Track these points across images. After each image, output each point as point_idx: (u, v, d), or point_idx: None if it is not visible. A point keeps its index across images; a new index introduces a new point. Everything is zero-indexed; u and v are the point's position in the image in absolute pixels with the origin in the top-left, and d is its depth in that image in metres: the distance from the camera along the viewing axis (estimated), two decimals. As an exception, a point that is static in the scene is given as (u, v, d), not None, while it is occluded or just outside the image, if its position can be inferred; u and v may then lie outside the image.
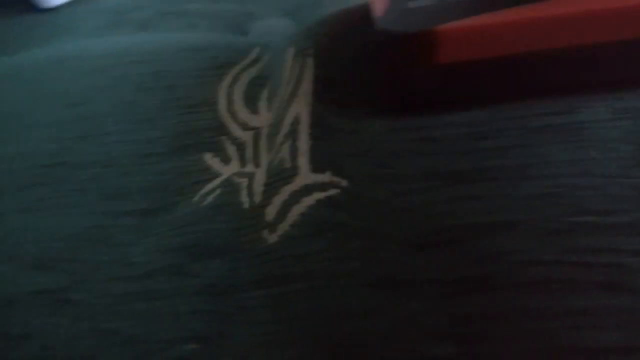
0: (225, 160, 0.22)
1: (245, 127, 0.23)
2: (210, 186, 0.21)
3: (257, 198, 0.20)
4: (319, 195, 0.19)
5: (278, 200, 0.19)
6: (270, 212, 0.19)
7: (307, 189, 0.19)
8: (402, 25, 0.18)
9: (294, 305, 0.17)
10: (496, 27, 0.18)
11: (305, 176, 0.19)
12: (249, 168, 0.21)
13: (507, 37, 0.18)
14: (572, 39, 0.18)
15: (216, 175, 0.21)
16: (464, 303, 0.16)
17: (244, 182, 0.20)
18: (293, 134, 0.21)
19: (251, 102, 0.24)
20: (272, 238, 0.18)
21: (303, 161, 0.19)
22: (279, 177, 0.20)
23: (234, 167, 0.21)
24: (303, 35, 0.26)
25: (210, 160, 0.22)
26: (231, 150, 0.22)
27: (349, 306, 0.16)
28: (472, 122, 0.20)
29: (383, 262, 0.17)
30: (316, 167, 0.19)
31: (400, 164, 0.20)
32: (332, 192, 0.19)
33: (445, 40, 0.18)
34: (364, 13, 0.21)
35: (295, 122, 0.21)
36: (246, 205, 0.19)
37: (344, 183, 0.19)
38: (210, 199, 0.20)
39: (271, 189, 0.19)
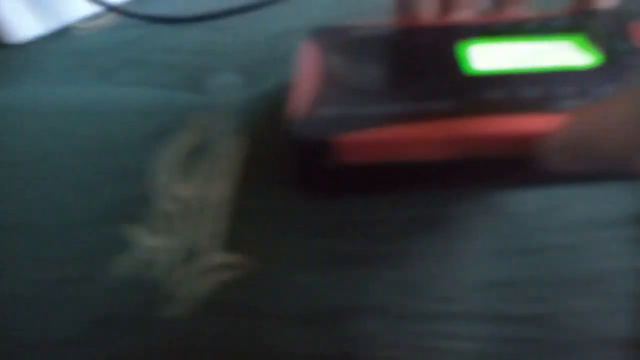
0: (152, 232, 0.25)
1: (176, 199, 0.26)
2: (130, 258, 0.24)
3: (171, 274, 0.23)
4: (225, 275, 0.22)
5: (188, 278, 0.22)
6: (179, 288, 0.22)
7: (213, 270, 0.22)
8: (312, 133, 0.22)
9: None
10: (390, 140, 0.22)
11: (214, 258, 0.22)
12: (171, 242, 0.24)
13: (397, 149, 0.22)
14: (452, 154, 0.22)
15: (138, 246, 0.24)
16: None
17: (160, 258, 0.24)
18: (211, 216, 0.24)
19: (187, 174, 0.28)
20: (177, 313, 0.22)
21: (214, 244, 0.23)
22: (190, 257, 0.23)
23: (157, 240, 0.24)
24: (243, 112, 0.29)
25: (137, 232, 0.25)
26: (159, 223, 0.25)
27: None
28: (366, 210, 0.24)
29: (265, 337, 0.21)
30: (229, 248, 0.23)
31: (304, 246, 0.23)
32: (238, 273, 0.22)
33: (346, 146, 0.22)
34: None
35: (214, 205, 0.24)
36: (160, 280, 0.23)
37: (252, 263, 0.23)
38: (128, 270, 0.23)
39: (184, 266, 0.23)
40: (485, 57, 0.25)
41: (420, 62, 0.25)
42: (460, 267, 0.21)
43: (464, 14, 0.29)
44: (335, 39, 0.27)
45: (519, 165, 0.22)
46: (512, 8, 0.29)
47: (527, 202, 0.23)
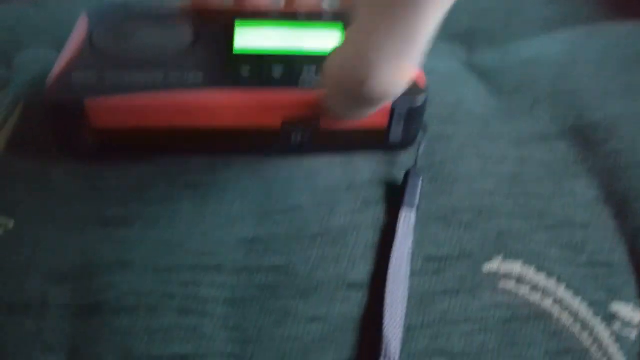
0: None
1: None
2: None
3: None
4: (-18, 234, 0.22)
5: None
6: None
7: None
8: (63, 98, 0.22)
9: None
10: (136, 106, 0.23)
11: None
12: None
13: (144, 115, 0.23)
14: (195, 122, 0.23)
15: None
16: (81, 322, 0.20)
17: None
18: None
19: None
20: None
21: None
22: None
23: None
24: (28, 83, 0.29)
25: None
26: None
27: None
28: (132, 174, 0.24)
29: (26, 291, 0.21)
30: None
31: (66, 208, 0.23)
32: (-2, 231, 0.22)
33: (98, 111, 0.22)
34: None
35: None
36: None
37: (11, 224, 0.22)
38: None
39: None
40: (249, 38, 0.27)
41: (188, 39, 0.26)
42: (219, 226, 0.23)
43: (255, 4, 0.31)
44: (106, 16, 0.28)
45: (277, 135, 0.24)
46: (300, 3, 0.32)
47: (286, 168, 0.25)
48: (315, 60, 0.25)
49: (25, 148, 0.25)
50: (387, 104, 0.23)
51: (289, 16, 0.28)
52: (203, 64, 0.24)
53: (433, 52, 0.36)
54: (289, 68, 0.25)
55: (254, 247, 0.23)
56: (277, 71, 0.24)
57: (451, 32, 0.39)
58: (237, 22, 0.27)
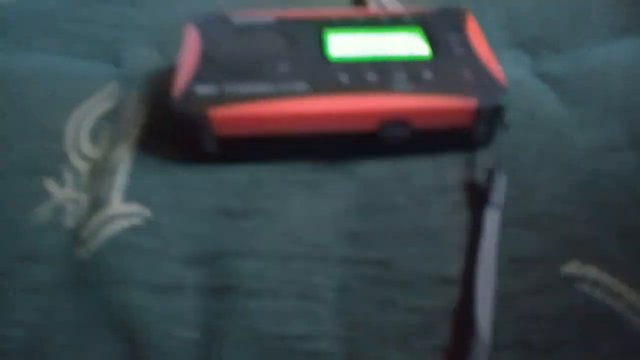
0: (62, 185, 0.26)
1: (84, 157, 0.27)
2: (44, 206, 0.25)
3: (79, 221, 0.24)
4: (123, 223, 0.24)
5: (91, 225, 0.24)
6: (85, 234, 0.24)
7: (113, 218, 0.24)
8: (189, 108, 0.24)
9: (88, 303, 0.22)
10: (255, 115, 0.24)
11: (115, 208, 0.24)
12: (78, 195, 0.26)
13: (263, 123, 0.25)
14: (310, 128, 0.25)
15: (51, 196, 0.25)
16: (213, 303, 0.22)
17: (71, 207, 0.25)
18: (114, 171, 0.26)
19: (95, 135, 0.29)
20: (83, 254, 0.23)
21: (115, 195, 0.24)
22: (94, 207, 0.25)
23: (67, 192, 0.26)
24: (148, 84, 0.30)
25: (50, 184, 0.26)
26: (68, 177, 0.26)
27: (130, 306, 0.22)
28: (249, 172, 0.26)
29: (161, 274, 0.23)
30: (127, 199, 0.25)
31: (193, 199, 0.25)
32: (136, 220, 0.24)
33: (219, 119, 0.24)
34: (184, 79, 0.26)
35: (119, 161, 0.26)
36: (70, 226, 0.24)
37: (148, 213, 0.24)
38: (41, 217, 0.24)
39: (89, 214, 0.24)
40: (342, 46, 0.28)
41: (287, 49, 0.28)
42: (328, 220, 0.25)
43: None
44: (214, 25, 0.29)
45: (372, 138, 0.25)
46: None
47: (382, 170, 0.27)
48: (404, 65, 0.26)
49: (154, 147, 0.27)
50: (472, 102, 0.24)
51: (372, 21, 0.29)
52: (306, 74, 0.26)
53: (500, 59, 0.37)
54: (382, 73, 0.26)
55: (358, 241, 0.24)
56: (372, 76, 0.26)
57: (516, 39, 0.39)
58: (327, 30, 0.29)
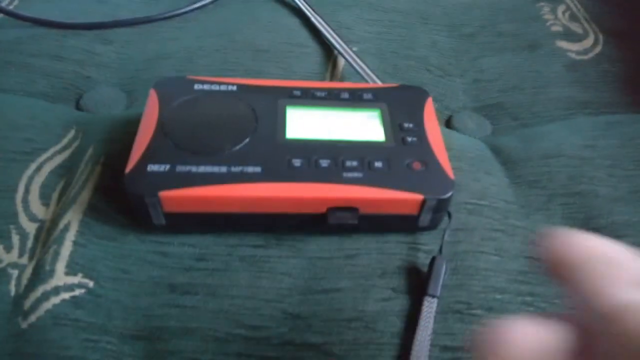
0: (8, 248, 0.26)
1: (32, 218, 0.28)
2: (-12, 272, 0.25)
3: (21, 289, 0.25)
4: (65, 295, 0.24)
5: (33, 296, 0.24)
6: (27, 304, 0.24)
7: (57, 290, 0.24)
8: (139, 188, 0.25)
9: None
10: (204, 198, 0.25)
11: (58, 279, 0.24)
12: (24, 260, 0.26)
13: (211, 205, 0.25)
14: (259, 210, 0.26)
15: (-2, 261, 0.25)
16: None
17: (15, 273, 0.25)
18: (60, 239, 0.26)
19: (46, 193, 0.29)
20: (24, 324, 0.23)
21: (60, 265, 0.25)
22: (38, 276, 0.25)
23: (13, 256, 0.26)
24: (105, 139, 0.31)
25: (-3, 246, 0.26)
26: (15, 239, 0.26)
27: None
28: (197, 244, 0.27)
29: (100, 350, 0.23)
30: (70, 270, 0.25)
31: (138, 271, 0.25)
32: (77, 292, 0.24)
33: (170, 200, 0.25)
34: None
35: (65, 228, 0.26)
36: (12, 293, 0.24)
37: (91, 284, 0.25)
38: (-15, 284, 0.24)
39: (31, 284, 0.25)
40: (300, 124, 0.29)
41: (244, 125, 0.28)
42: (270, 300, 0.25)
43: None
44: (175, 93, 0.30)
45: (321, 219, 0.26)
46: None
47: (328, 249, 0.27)
48: (357, 150, 0.27)
49: (103, 212, 0.28)
50: (419, 194, 0.26)
51: (334, 96, 0.30)
52: (260, 157, 0.26)
53: (462, 124, 0.38)
54: (335, 159, 0.27)
55: (297, 324, 0.25)
56: (324, 163, 0.27)
57: (479, 104, 0.40)
58: (288, 107, 0.30)
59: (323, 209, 0.26)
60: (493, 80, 0.42)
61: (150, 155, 0.26)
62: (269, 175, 0.26)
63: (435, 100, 0.33)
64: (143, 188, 0.25)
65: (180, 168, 0.25)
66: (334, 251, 0.27)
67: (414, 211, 0.26)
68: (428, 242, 0.28)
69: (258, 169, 0.26)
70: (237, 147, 0.27)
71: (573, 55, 0.43)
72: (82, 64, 0.39)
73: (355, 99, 0.30)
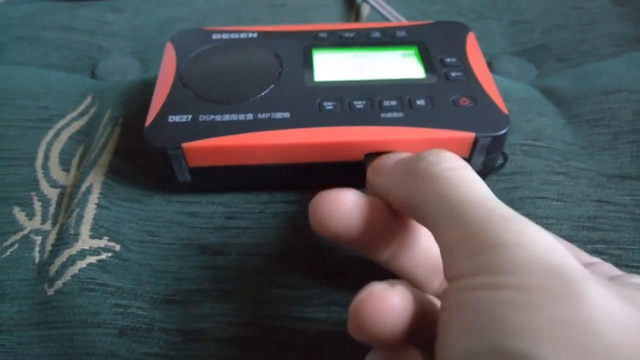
0: (30, 215, 0.25)
1: (53, 184, 0.26)
2: (12, 239, 0.24)
3: (45, 256, 0.23)
4: (91, 259, 0.23)
5: (58, 261, 0.23)
6: (52, 270, 0.23)
7: (82, 254, 0.23)
8: (161, 141, 0.23)
9: (53, 345, 0.21)
10: (230, 148, 0.23)
11: (83, 242, 0.23)
12: (47, 226, 0.25)
13: (237, 156, 0.23)
14: (291, 160, 0.23)
15: (20, 228, 0.24)
16: (182, 350, 0.21)
17: (38, 239, 0.24)
18: (83, 202, 0.24)
19: (65, 158, 0.28)
20: (50, 291, 0.22)
21: (84, 229, 0.23)
22: (62, 241, 0.23)
23: (35, 222, 0.25)
24: (122, 101, 0.29)
25: (18, 214, 0.25)
26: (37, 206, 0.25)
27: (96, 349, 0.21)
28: (226, 203, 0.25)
29: (130, 315, 0.22)
30: (95, 234, 0.23)
31: (166, 233, 0.24)
32: (104, 255, 0.23)
33: (193, 152, 0.23)
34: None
35: (87, 190, 0.25)
36: (36, 260, 0.23)
37: (117, 248, 0.23)
38: (8, 252, 0.23)
39: (56, 250, 0.23)
40: (328, 67, 0.27)
41: (268, 69, 0.26)
42: (305, 258, 0.23)
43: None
44: (192, 44, 0.28)
45: (359, 167, 0.24)
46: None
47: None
48: (395, 90, 0.25)
49: (125, 174, 0.26)
50: (469, 135, 0.23)
51: (364, 37, 0.28)
52: (288, 102, 0.24)
53: (503, 69, 0.36)
54: (370, 100, 0.24)
55: (339, 282, 0.23)
56: (359, 104, 0.24)
57: (520, 47, 0.37)
58: (313, 49, 0.27)
59: (360, 156, 0.24)
60: (533, 21, 0.39)
61: (170, 106, 0.24)
62: (299, 120, 0.23)
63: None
64: (164, 140, 0.23)
65: (203, 117, 0.23)
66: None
67: (464, 153, 0.24)
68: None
69: (287, 115, 0.24)
70: (262, 94, 0.25)
71: (621, -11, 0.40)
72: (94, 34, 0.38)
73: (387, 38, 0.28)
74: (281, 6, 0.38)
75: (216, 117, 0.24)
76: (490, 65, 0.36)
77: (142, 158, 0.26)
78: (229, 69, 0.26)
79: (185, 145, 0.23)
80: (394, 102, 0.24)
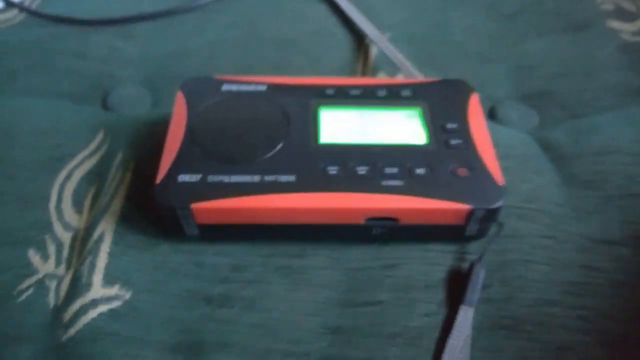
0: (44, 257, 0.26)
1: (66, 227, 0.28)
2: (27, 282, 0.26)
3: (60, 301, 0.25)
4: (103, 308, 0.24)
5: (72, 309, 0.24)
6: (66, 317, 0.24)
7: (95, 303, 0.24)
8: (170, 200, 0.24)
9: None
10: (238, 210, 0.25)
11: (95, 291, 0.25)
12: (61, 270, 0.26)
13: (245, 216, 0.25)
14: (293, 221, 0.25)
15: (35, 271, 0.26)
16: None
17: (52, 284, 0.25)
18: (95, 250, 0.26)
19: (78, 200, 0.29)
20: (63, 338, 0.24)
21: (96, 278, 0.25)
22: (76, 289, 0.25)
23: (49, 265, 0.26)
24: (132, 143, 0.31)
25: (32, 256, 0.26)
26: (51, 249, 0.27)
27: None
28: (232, 253, 0.27)
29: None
30: (106, 282, 0.25)
31: (173, 283, 0.26)
32: (115, 304, 0.25)
33: (201, 212, 0.25)
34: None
35: (99, 239, 0.26)
36: (51, 305, 0.25)
37: (127, 296, 0.25)
38: (24, 296, 0.25)
39: (70, 297, 0.25)
40: (334, 127, 0.28)
41: (276, 130, 0.27)
42: (308, 313, 0.25)
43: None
44: (202, 95, 0.29)
45: (360, 229, 0.26)
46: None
47: (367, 259, 0.27)
48: (397, 156, 0.26)
49: (135, 221, 0.28)
50: (466, 205, 0.25)
51: (370, 94, 0.29)
52: (293, 164, 0.26)
53: (505, 116, 0.37)
54: (373, 165, 0.26)
55: (337, 338, 0.25)
56: (361, 170, 0.26)
57: (523, 92, 0.38)
58: (321, 108, 0.29)
59: (361, 220, 0.25)
60: (538, 66, 0.40)
61: (180, 164, 0.25)
62: (304, 184, 0.25)
63: (475, 89, 0.32)
64: (174, 199, 0.24)
65: (212, 178, 0.25)
66: (372, 261, 0.27)
67: (460, 221, 0.25)
68: (476, 251, 0.27)
69: (292, 178, 0.25)
70: (270, 154, 0.26)
71: (626, 37, 0.41)
72: (106, 61, 0.39)
73: (392, 97, 0.29)
74: (290, 43, 0.39)
75: (224, 177, 0.25)
76: (492, 111, 0.37)
77: (151, 206, 0.28)
78: (238, 126, 0.27)
79: (194, 205, 0.24)
80: (395, 170, 0.26)
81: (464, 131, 0.27)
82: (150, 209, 0.28)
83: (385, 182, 0.25)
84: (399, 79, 0.33)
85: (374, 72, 0.38)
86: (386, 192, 0.25)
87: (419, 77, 0.34)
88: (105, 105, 0.36)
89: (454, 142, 0.27)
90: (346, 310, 0.25)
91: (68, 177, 0.30)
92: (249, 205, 0.24)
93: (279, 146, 0.26)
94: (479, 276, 0.26)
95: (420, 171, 0.25)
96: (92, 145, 0.32)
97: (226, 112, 0.28)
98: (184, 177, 0.25)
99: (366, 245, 0.27)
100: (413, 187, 0.25)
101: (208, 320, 0.25)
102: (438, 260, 0.27)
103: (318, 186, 0.25)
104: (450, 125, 0.28)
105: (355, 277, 0.26)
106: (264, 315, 0.25)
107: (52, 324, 0.24)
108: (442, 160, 0.26)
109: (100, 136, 0.32)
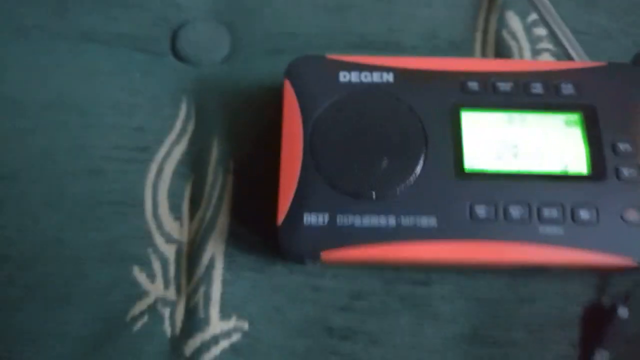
0: (151, 276, 0.25)
1: (168, 239, 0.25)
2: (139, 307, 0.24)
3: (177, 332, 0.24)
4: (224, 344, 0.23)
5: (192, 344, 0.23)
6: (187, 351, 0.24)
7: (216, 339, 0.23)
8: (298, 248, 0.22)
9: None
10: (370, 258, 0.22)
11: (214, 326, 0.23)
12: (171, 294, 0.25)
13: (383, 263, 0.23)
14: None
15: (145, 293, 0.25)
16: None
17: (166, 312, 0.24)
18: (208, 278, 0.24)
19: (175, 203, 0.26)
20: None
21: (213, 311, 0.24)
22: (193, 323, 0.24)
23: (158, 286, 0.25)
24: (225, 128, 0.27)
25: (138, 275, 0.25)
26: (156, 265, 0.25)
27: None
28: (350, 276, 0.25)
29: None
30: (224, 315, 0.24)
31: (291, 309, 0.24)
32: (235, 337, 0.24)
33: (330, 258, 0.22)
34: None
35: (210, 265, 0.24)
36: (168, 334, 0.24)
37: (246, 327, 0.24)
38: (139, 325, 0.24)
39: (188, 331, 0.24)
40: (480, 143, 0.23)
41: (412, 149, 0.23)
42: (434, 351, 0.24)
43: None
44: (317, 90, 0.24)
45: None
46: None
47: (499, 289, 0.25)
48: (554, 192, 0.22)
49: (244, 239, 0.25)
50: (631, 262, 0.22)
51: (521, 90, 0.24)
52: (434, 202, 0.22)
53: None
54: (527, 207, 0.22)
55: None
56: (515, 212, 0.22)
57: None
58: (462, 111, 0.24)
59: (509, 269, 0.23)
60: None
61: (303, 199, 0.22)
62: (447, 230, 0.21)
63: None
64: (302, 247, 0.22)
65: (342, 220, 0.22)
66: (505, 292, 0.25)
67: (620, 270, 0.23)
68: (622, 284, 0.24)
69: (433, 221, 0.22)
70: (406, 186, 0.22)
71: None
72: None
73: (549, 94, 0.24)
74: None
75: (355, 220, 0.22)
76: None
77: (259, 220, 0.25)
78: (366, 144, 0.23)
79: (323, 253, 0.22)
80: (554, 212, 0.22)
81: (637, 153, 0.22)
82: (258, 224, 0.25)
83: (542, 229, 0.21)
84: (549, 62, 0.26)
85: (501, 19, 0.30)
86: (543, 243, 0.21)
87: (577, 58, 0.26)
88: (175, 49, 0.30)
89: (627, 172, 0.22)
90: (474, 348, 0.24)
91: (159, 173, 0.26)
92: (385, 256, 0.22)
93: (417, 173, 0.22)
94: (622, 317, 0.24)
95: (584, 215, 0.22)
96: (178, 124, 0.27)
97: (349, 120, 0.23)
98: (310, 219, 0.22)
99: (498, 273, 0.25)
100: (575, 236, 0.21)
101: (330, 354, 0.24)
102: (577, 293, 0.25)
103: (464, 233, 0.22)
104: (622, 146, 0.22)
105: (485, 311, 0.24)
106: (390, 351, 0.24)
107: (173, 354, 0.24)
108: (611, 199, 0.22)
109: (183, 108, 0.28)
